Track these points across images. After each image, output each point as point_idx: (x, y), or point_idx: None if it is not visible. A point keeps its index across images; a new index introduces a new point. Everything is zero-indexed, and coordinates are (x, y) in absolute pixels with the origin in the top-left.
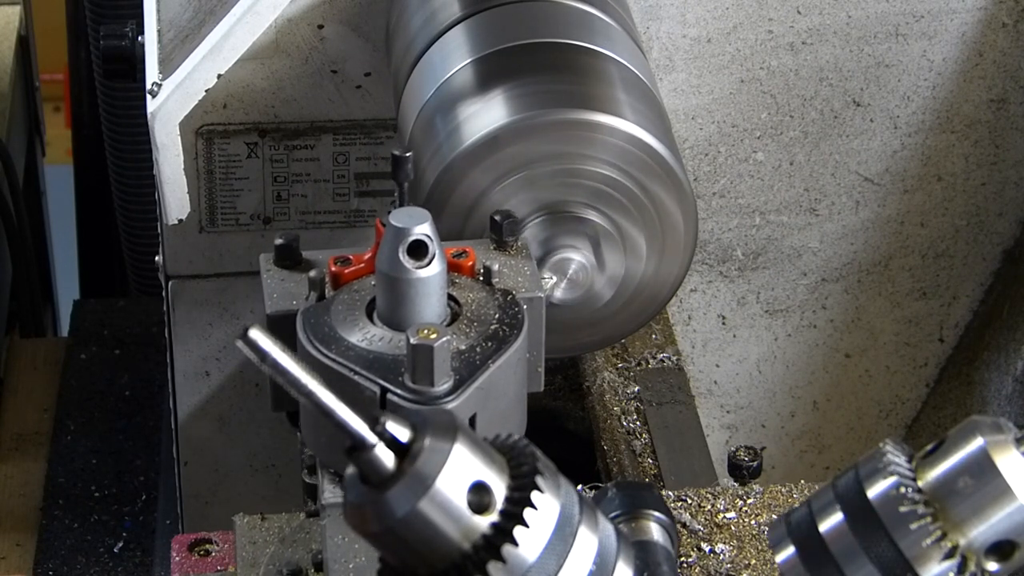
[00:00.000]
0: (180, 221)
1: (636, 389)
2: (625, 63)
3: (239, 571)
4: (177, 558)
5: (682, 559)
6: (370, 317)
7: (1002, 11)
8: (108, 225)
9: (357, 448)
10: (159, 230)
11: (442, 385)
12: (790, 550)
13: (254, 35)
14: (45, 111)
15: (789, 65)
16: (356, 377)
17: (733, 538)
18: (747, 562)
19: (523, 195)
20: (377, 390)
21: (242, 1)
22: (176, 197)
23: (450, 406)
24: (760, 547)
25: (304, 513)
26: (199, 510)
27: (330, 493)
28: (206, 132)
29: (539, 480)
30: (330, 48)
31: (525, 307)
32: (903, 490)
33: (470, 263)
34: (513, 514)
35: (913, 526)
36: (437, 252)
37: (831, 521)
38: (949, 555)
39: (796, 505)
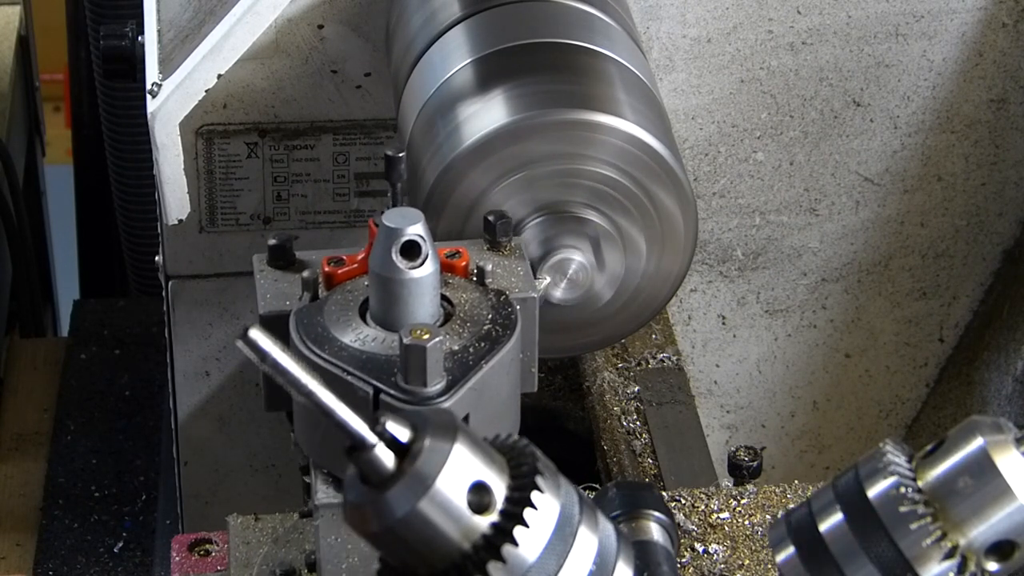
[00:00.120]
0: (180, 221)
1: (636, 389)
2: (625, 63)
3: (232, 571)
4: (177, 558)
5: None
6: (363, 317)
7: (1002, 11)
8: (108, 225)
9: (357, 448)
10: (159, 230)
11: (435, 385)
12: (790, 550)
13: (254, 35)
14: (45, 111)
15: (789, 65)
16: (349, 378)
17: (727, 538)
18: (741, 562)
19: (523, 195)
20: (370, 390)
21: (242, 1)
22: (176, 197)
23: (443, 407)
24: (754, 547)
25: (297, 513)
26: (199, 510)
27: (323, 493)
28: (206, 132)
29: (539, 480)
30: (330, 48)
31: (518, 307)
32: (903, 490)
33: (463, 263)
34: (513, 514)
35: (913, 526)
36: (430, 252)
37: (831, 521)
38: (949, 555)
39: (790, 505)
